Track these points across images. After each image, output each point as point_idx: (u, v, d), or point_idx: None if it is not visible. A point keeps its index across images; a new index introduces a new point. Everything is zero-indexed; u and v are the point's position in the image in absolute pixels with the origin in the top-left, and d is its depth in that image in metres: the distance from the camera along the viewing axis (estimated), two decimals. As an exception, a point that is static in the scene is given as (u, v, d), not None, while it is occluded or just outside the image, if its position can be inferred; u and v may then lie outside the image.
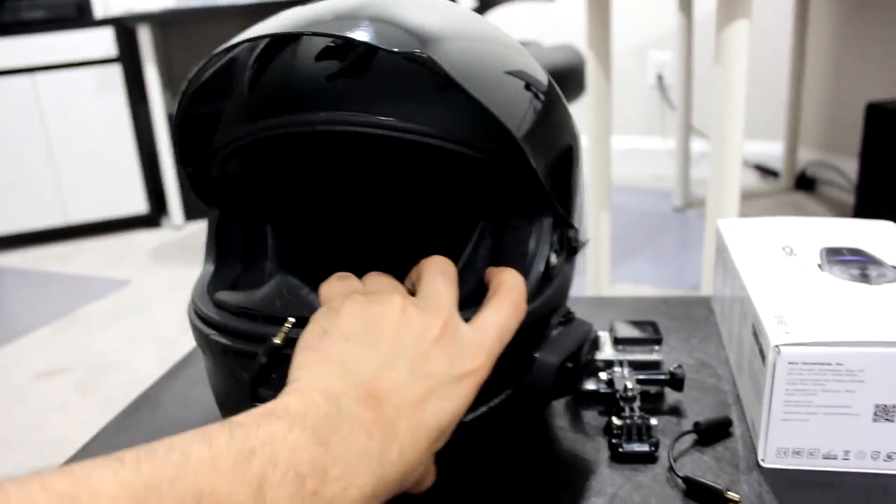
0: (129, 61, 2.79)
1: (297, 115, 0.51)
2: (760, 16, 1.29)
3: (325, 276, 0.51)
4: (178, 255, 2.67)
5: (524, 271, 0.51)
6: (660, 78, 3.09)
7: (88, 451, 0.65)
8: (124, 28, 2.75)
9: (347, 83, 0.51)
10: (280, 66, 0.54)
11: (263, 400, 0.45)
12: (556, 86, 0.56)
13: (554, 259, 0.54)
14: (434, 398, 0.42)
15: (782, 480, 0.53)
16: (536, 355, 0.51)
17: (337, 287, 0.49)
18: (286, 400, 0.39)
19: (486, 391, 0.48)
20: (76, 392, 1.82)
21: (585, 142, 1.80)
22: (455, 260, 0.53)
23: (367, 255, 0.67)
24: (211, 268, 0.59)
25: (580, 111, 3.07)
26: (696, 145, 2.86)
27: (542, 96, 0.53)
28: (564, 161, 0.55)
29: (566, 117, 0.57)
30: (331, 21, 0.49)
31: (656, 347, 0.66)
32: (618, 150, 1.90)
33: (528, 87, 0.52)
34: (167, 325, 2.13)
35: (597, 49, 1.72)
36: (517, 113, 0.49)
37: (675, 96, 2.84)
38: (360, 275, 0.52)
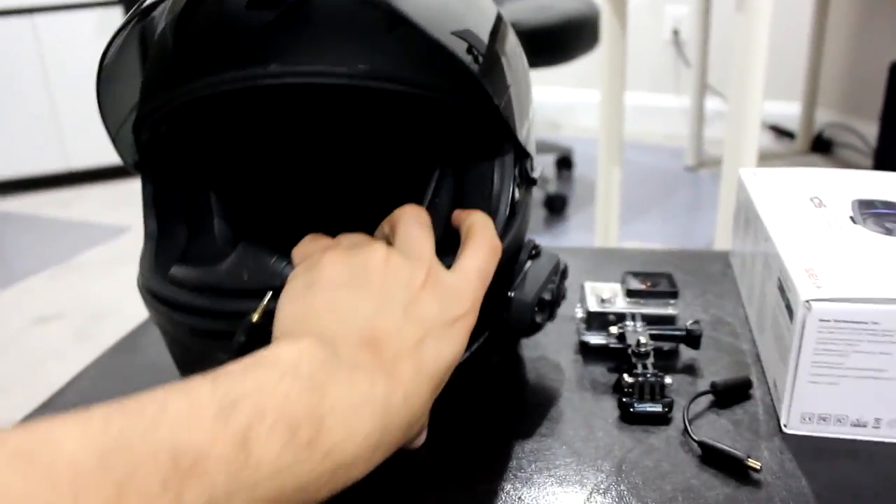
0: (130, 4, 2.72)
1: (241, 70, 0.47)
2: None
3: (286, 241, 0.48)
4: (180, 203, 2.64)
5: (491, 210, 0.50)
6: (675, 33, 3.00)
7: (66, 394, 0.61)
8: (126, -31, 2.68)
9: (286, 32, 0.47)
10: (205, 19, 0.50)
11: None
12: (504, 18, 0.54)
13: (517, 194, 0.52)
14: (431, 341, 0.40)
15: (806, 448, 0.49)
16: (511, 294, 0.51)
17: (311, 246, 0.46)
18: (277, 349, 0.36)
19: None
20: (73, 338, 1.80)
21: (597, 96, 1.75)
22: (418, 203, 0.52)
23: (326, 213, 0.64)
24: (153, 242, 0.54)
25: (592, 64, 2.99)
26: (710, 104, 2.78)
27: (493, 29, 0.51)
28: (519, 93, 0.53)
29: (518, 49, 0.55)
30: None
31: (672, 301, 0.61)
32: (629, 107, 1.84)
33: (478, 21, 0.50)
34: (166, 274, 2.10)
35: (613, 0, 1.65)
36: (471, 48, 0.47)
37: (691, 52, 2.76)
38: (319, 224, 0.50)
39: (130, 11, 0.48)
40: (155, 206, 0.55)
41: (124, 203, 2.67)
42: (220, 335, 0.45)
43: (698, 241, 2.12)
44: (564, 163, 2.73)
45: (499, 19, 0.53)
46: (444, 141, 0.53)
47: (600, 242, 1.84)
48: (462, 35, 0.46)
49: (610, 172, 1.80)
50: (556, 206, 2.43)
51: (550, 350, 0.62)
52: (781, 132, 2.88)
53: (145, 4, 0.48)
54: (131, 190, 2.79)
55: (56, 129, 2.77)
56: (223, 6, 0.49)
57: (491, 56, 0.49)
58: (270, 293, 0.44)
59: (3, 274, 2.17)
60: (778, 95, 2.77)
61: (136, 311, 2.10)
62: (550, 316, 0.55)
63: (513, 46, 0.54)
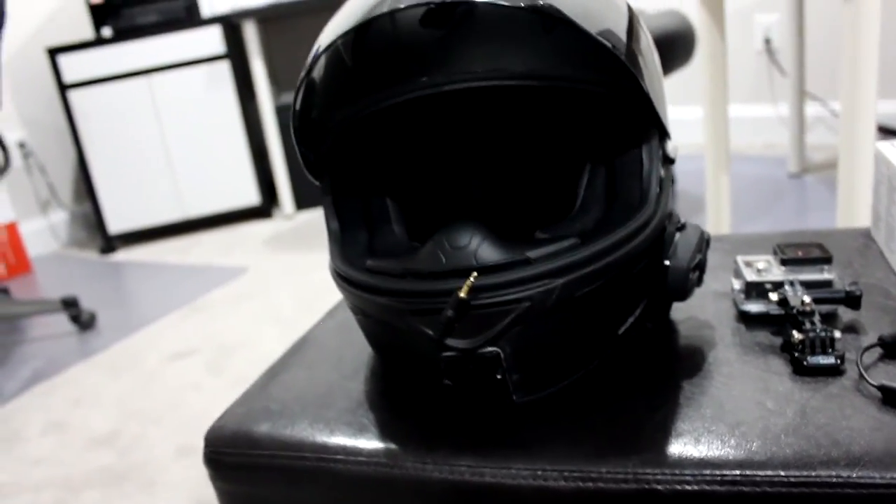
0: (236, 57, 2.88)
1: (419, 80, 0.54)
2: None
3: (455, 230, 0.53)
4: (291, 242, 2.74)
5: (643, 189, 0.55)
6: (767, 42, 2.98)
7: (263, 383, 0.67)
8: (230, 25, 2.84)
9: (458, 42, 0.54)
10: (381, 37, 0.56)
11: (452, 349, 0.48)
12: (635, 12, 0.60)
13: (662, 172, 0.57)
14: None
15: None
16: (667, 262, 0.56)
17: None
18: None
19: (629, 303, 0.55)
20: (207, 371, 1.89)
21: (691, 112, 1.77)
22: (572, 193, 0.59)
23: (486, 207, 0.70)
24: (338, 240, 0.61)
25: (690, 78, 2.99)
26: (809, 110, 2.74)
27: (629, 24, 0.56)
28: (658, 81, 0.59)
29: (650, 40, 0.61)
30: None
31: (826, 267, 0.64)
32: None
33: (618, 18, 0.55)
34: (287, 306, 2.19)
35: (711, 10, 1.67)
36: (618, 43, 0.52)
37: (785, 60, 2.74)
38: (489, 218, 0.56)
39: (315, 47, 0.55)
40: (336, 208, 0.61)
41: (239, 246, 2.80)
42: (427, 313, 0.50)
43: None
44: (664, 179, 2.73)
45: (632, 14, 0.58)
46: (595, 132, 0.58)
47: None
48: (608, 31, 0.52)
49: (718, 181, 1.80)
50: (661, 222, 2.42)
51: (710, 323, 0.64)
52: (888, 132, 2.82)
53: (323, 44, 0.55)
54: (245, 234, 2.92)
55: (172, 180, 2.93)
56: (395, 25, 0.56)
57: (632, 48, 0.54)
58: (476, 273, 0.49)
59: (136, 316, 2.31)
60: (884, 93, 2.72)
61: (263, 345, 2.21)
62: (699, 281, 0.59)
63: (647, 38, 0.59)
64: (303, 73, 0.56)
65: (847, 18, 1.27)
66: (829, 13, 2.77)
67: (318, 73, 0.58)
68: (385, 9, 0.51)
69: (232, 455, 0.59)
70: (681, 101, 3.17)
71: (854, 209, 1.38)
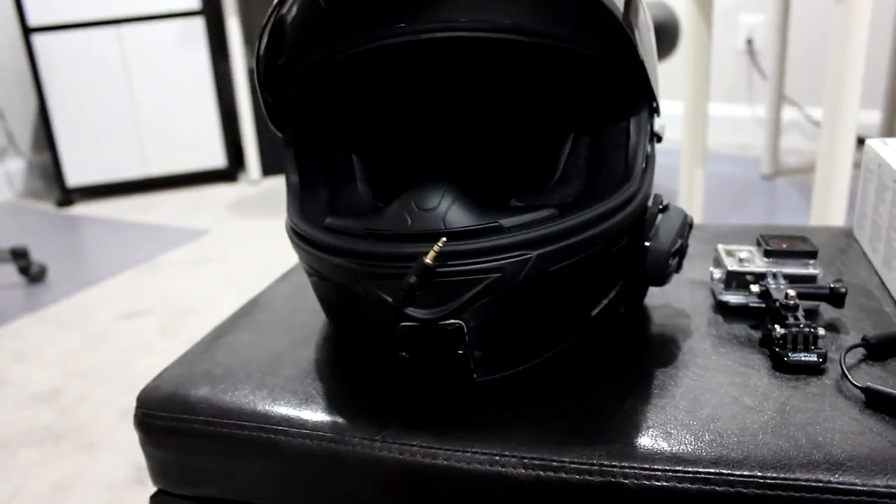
0: (211, 14, 2.79)
1: (397, 26, 0.49)
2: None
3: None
4: (256, 207, 2.68)
5: (628, 163, 0.52)
6: (749, 42, 2.97)
7: (207, 349, 0.62)
8: (208, -19, 2.75)
9: None
10: None
11: (411, 319, 0.43)
12: None
13: (649, 148, 0.54)
14: None
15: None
16: (648, 244, 0.52)
17: None
18: None
19: (604, 283, 0.52)
20: (159, 333, 1.84)
21: (678, 106, 1.74)
22: (553, 161, 0.56)
23: (460, 169, 0.65)
24: (296, 195, 0.56)
25: (669, 72, 2.96)
26: (785, 114, 2.73)
27: None
28: (652, 52, 0.55)
29: (647, 12, 0.57)
30: None
31: (811, 261, 0.60)
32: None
33: None
34: (246, 272, 2.13)
35: (701, 5, 1.64)
36: (618, 8, 0.48)
37: (765, 62, 2.73)
38: (462, 181, 0.51)
39: None
40: (297, 160, 0.57)
41: (201, 208, 2.73)
42: (387, 277, 0.46)
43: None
44: (637, 171, 2.72)
45: None
46: (583, 98, 0.54)
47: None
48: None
49: (692, 178, 1.78)
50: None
51: (686, 312, 0.61)
52: (861, 142, 2.82)
53: None
54: (207, 196, 2.85)
55: (137, 136, 2.84)
56: None
57: (629, 16, 0.50)
58: (444, 239, 0.45)
59: (89, 273, 2.23)
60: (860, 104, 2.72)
61: (219, 309, 2.15)
62: (678, 267, 0.56)
63: (645, 14, 0.55)
64: (270, 11, 0.52)
65: (838, 18, 1.25)
66: (813, 18, 2.76)
67: (287, 12, 0.53)
68: None
69: (165, 419, 0.55)
70: (660, 96, 3.15)
71: (828, 213, 1.36)
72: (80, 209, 2.84)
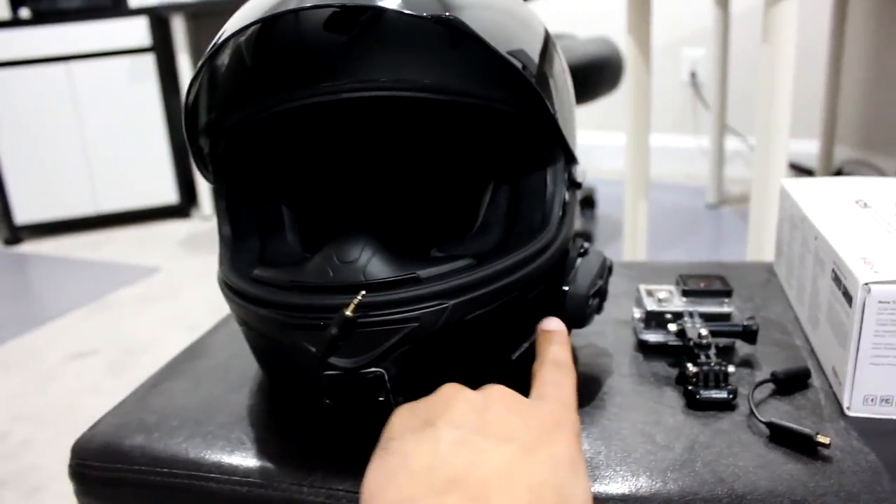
0: (162, 51, 2.80)
1: (320, 85, 0.51)
2: (798, 8, 1.26)
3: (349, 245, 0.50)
4: (208, 244, 2.67)
5: (545, 212, 0.54)
6: (693, 75, 3.05)
7: (141, 399, 0.63)
8: (158, 18, 2.76)
9: (360, 50, 0.51)
10: (282, 38, 0.54)
11: (334, 368, 0.45)
12: (551, 35, 0.59)
13: (567, 196, 0.56)
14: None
15: (871, 429, 0.51)
16: (566, 288, 0.54)
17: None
18: None
19: (524, 328, 0.54)
20: (108, 373, 1.82)
21: (617, 139, 1.78)
22: (473, 212, 0.57)
23: (385, 220, 0.68)
24: (228, 246, 0.57)
25: (616, 105, 3.03)
26: (729, 143, 2.82)
27: (544, 46, 0.55)
28: (568, 104, 0.58)
29: (563, 63, 0.60)
30: None
31: (726, 300, 0.63)
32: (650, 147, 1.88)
33: (532, 38, 0.54)
34: (197, 310, 2.12)
35: (638, 40, 1.69)
36: (529, 63, 0.51)
37: (708, 94, 2.81)
38: (385, 233, 0.54)
39: (212, 42, 0.52)
40: (228, 213, 0.58)
41: (153, 245, 2.71)
42: (310, 328, 0.47)
43: (724, 276, 2.13)
44: (587, 202, 2.76)
45: (547, 37, 0.57)
46: (500, 151, 0.57)
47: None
48: (520, 51, 0.50)
49: (636, 208, 1.82)
50: (581, 244, 2.45)
51: (609, 351, 0.64)
52: (800, 170, 2.91)
53: (226, 35, 0.52)
54: (160, 233, 2.84)
55: (87, 172, 2.83)
56: (299, 26, 0.53)
57: (544, 70, 0.53)
58: (364, 291, 0.46)
59: (38, 312, 2.21)
60: (796, 133, 2.81)
61: (169, 348, 2.15)
62: (599, 309, 0.58)
63: (561, 63, 0.58)
64: (197, 68, 0.53)
65: (765, 57, 1.30)
66: (751, 51, 2.85)
67: (215, 70, 0.55)
68: (290, 6, 0.48)
69: (99, 469, 0.55)
70: (607, 127, 3.22)
71: (763, 243, 1.41)
72: (29, 247, 2.81)
